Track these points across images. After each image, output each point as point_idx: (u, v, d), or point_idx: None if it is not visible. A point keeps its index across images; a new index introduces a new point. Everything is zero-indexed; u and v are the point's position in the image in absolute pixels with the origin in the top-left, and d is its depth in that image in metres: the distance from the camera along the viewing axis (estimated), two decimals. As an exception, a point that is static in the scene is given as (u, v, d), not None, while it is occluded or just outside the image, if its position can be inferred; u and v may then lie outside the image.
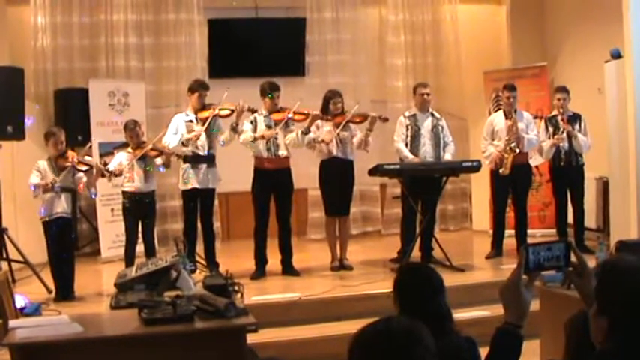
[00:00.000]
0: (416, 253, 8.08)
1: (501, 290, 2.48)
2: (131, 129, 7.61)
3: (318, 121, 7.87)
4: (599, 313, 2.22)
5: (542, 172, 9.66)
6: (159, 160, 7.57)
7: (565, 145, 8.57)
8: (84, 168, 7.20)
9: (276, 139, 7.79)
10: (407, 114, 8.32)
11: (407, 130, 8.17)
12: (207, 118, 7.76)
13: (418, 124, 8.18)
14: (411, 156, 8.05)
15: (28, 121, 8.17)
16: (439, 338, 2.13)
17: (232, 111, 7.75)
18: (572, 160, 8.63)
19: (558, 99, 8.64)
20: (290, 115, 7.75)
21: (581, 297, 2.53)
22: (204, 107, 7.86)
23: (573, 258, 2.55)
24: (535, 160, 9.07)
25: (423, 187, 8.03)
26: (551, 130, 8.69)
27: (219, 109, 7.77)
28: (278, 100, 7.86)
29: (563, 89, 8.71)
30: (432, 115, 8.30)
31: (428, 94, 8.25)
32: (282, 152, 7.82)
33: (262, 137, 7.74)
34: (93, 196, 8.03)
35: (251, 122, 7.81)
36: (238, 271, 6.80)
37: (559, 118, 8.62)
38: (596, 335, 2.23)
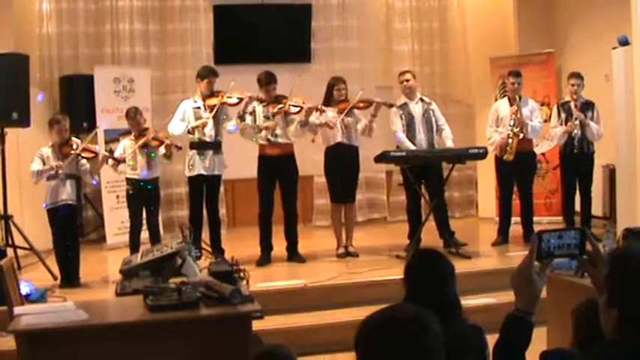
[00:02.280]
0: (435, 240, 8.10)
1: (513, 277, 2.45)
2: (132, 117, 7.61)
3: (322, 107, 7.85)
4: (610, 303, 2.19)
5: (549, 160, 9.63)
6: (162, 149, 7.56)
7: (578, 132, 8.54)
8: (89, 156, 7.19)
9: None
10: (398, 104, 8.28)
11: (401, 119, 8.15)
12: (215, 106, 7.75)
13: (410, 112, 8.15)
14: (412, 147, 8.03)
15: (40, 97, 8.23)
16: (446, 325, 2.11)
17: (240, 99, 7.74)
18: (584, 147, 8.59)
19: (572, 85, 8.60)
20: (282, 107, 7.72)
21: (595, 286, 2.50)
22: (212, 94, 7.85)
23: (588, 246, 2.52)
24: (543, 147, 9.03)
25: (423, 174, 8.02)
26: (563, 116, 8.65)
27: (227, 97, 7.76)
28: (274, 91, 7.84)
29: (578, 75, 8.65)
30: (422, 100, 8.28)
31: (407, 81, 8.22)
32: (282, 139, 7.81)
33: (266, 128, 7.74)
34: (94, 182, 8.05)
35: (250, 113, 7.80)
36: (244, 257, 6.79)
37: (572, 104, 8.58)
38: (606, 325, 2.21)
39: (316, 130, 7.89)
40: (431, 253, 3.23)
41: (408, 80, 8.22)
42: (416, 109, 8.19)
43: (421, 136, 8.11)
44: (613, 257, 2.31)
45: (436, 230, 8.22)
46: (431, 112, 8.23)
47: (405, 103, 8.21)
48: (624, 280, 2.19)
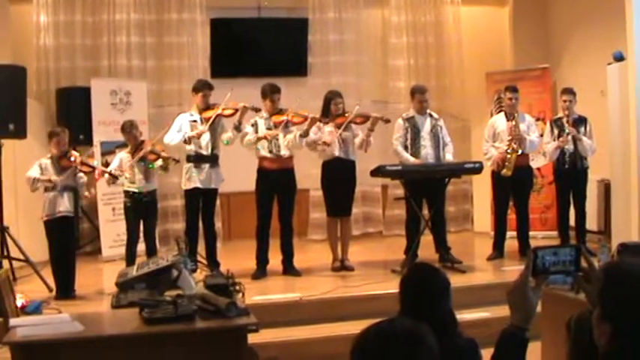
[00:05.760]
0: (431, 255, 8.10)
1: (508, 292, 2.47)
2: (127, 131, 7.60)
3: (319, 123, 7.87)
4: (603, 318, 2.20)
5: (545, 174, 9.66)
6: (159, 162, 7.56)
7: (570, 147, 8.56)
8: (86, 170, 7.21)
9: (277, 139, 7.80)
10: (405, 116, 8.29)
11: (406, 132, 8.16)
12: (211, 117, 7.77)
13: (417, 125, 8.16)
14: (411, 159, 8.04)
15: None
16: (441, 340, 2.12)
17: (236, 110, 7.76)
18: (577, 162, 8.60)
19: (565, 101, 8.62)
20: (287, 118, 7.77)
21: (589, 302, 2.52)
22: (208, 107, 7.87)
23: (583, 263, 2.54)
24: (537, 162, 9.06)
25: (425, 188, 8.02)
26: (556, 132, 8.67)
27: (223, 109, 7.79)
28: (279, 102, 7.87)
29: (570, 91, 8.68)
30: (431, 115, 8.29)
31: (426, 101, 8.22)
32: (283, 152, 7.83)
33: (265, 138, 7.75)
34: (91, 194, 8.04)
35: (252, 125, 7.83)
36: (239, 270, 6.78)
37: (564, 120, 8.61)
38: (599, 339, 2.22)
39: (316, 147, 7.91)
40: (427, 268, 3.22)
41: (427, 101, 8.21)
42: (424, 123, 8.19)
43: (427, 150, 8.10)
44: (606, 271, 2.33)
45: (432, 245, 8.21)
46: (439, 127, 8.24)
47: (413, 117, 8.22)
48: (617, 294, 2.20)
